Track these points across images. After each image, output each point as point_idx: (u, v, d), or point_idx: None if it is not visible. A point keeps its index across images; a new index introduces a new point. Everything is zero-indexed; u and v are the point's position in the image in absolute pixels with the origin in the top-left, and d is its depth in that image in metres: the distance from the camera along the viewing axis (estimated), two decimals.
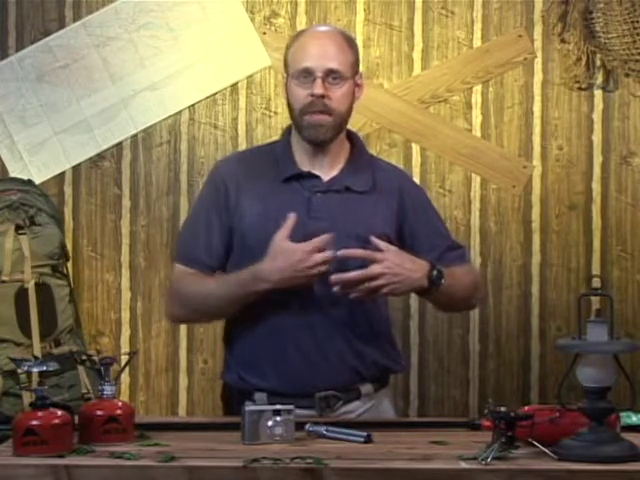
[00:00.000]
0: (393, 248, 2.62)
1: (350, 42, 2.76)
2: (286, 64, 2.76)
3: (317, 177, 2.73)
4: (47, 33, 3.87)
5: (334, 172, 2.75)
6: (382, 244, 2.60)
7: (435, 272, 2.63)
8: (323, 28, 2.91)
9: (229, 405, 2.80)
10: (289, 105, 2.74)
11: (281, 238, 2.58)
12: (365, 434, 2.34)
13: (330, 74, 2.66)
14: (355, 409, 2.72)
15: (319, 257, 2.57)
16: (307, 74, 2.67)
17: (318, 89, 2.65)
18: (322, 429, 2.38)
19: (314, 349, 2.67)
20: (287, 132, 2.81)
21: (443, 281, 2.65)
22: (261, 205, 2.70)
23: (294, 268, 2.57)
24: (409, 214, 2.78)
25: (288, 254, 2.57)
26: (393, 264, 2.58)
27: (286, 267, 2.57)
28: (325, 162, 2.74)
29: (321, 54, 2.67)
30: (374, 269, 2.56)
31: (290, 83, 2.72)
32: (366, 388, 2.73)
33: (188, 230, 2.83)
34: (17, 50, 3.88)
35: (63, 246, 3.63)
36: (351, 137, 2.82)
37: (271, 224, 2.65)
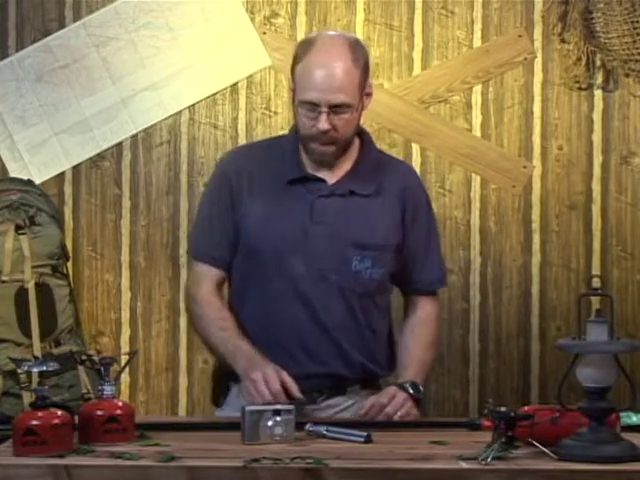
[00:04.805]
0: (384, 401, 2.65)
1: (358, 55, 2.66)
2: (293, 79, 2.69)
3: (322, 180, 2.73)
4: (47, 33, 3.87)
5: (340, 174, 2.74)
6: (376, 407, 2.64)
7: (412, 390, 2.68)
8: (331, 46, 2.68)
9: (218, 383, 2.84)
10: (295, 119, 2.72)
11: (275, 370, 2.56)
12: (365, 434, 2.34)
13: (335, 107, 2.62)
14: (339, 403, 2.73)
15: (264, 392, 2.53)
16: (312, 106, 2.62)
17: (323, 125, 2.62)
18: (322, 429, 2.38)
19: (302, 354, 2.69)
20: (296, 129, 2.76)
21: (422, 390, 2.70)
22: (264, 207, 2.70)
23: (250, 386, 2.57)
24: (407, 215, 2.79)
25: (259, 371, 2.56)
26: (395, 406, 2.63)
27: (246, 379, 2.58)
28: (332, 165, 2.74)
29: (326, 86, 2.60)
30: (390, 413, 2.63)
31: (297, 106, 2.67)
32: (353, 388, 2.76)
33: (202, 226, 2.82)
34: (17, 50, 3.88)
35: (63, 246, 3.63)
36: (361, 134, 2.80)
37: (272, 227, 2.68)
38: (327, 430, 2.38)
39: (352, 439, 2.35)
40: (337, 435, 2.36)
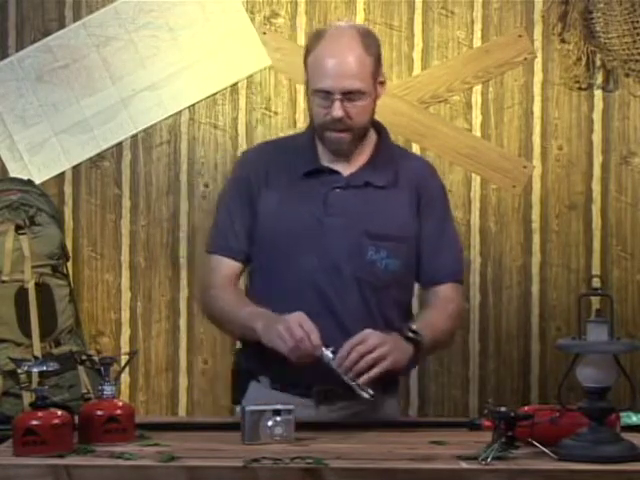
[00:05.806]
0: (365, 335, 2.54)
1: (369, 43, 2.69)
2: (306, 69, 2.71)
3: (337, 173, 2.73)
4: (47, 33, 3.87)
5: (355, 167, 2.74)
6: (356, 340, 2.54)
7: (409, 332, 2.59)
8: (341, 35, 2.72)
9: (236, 379, 2.81)
10: (310, 112, 2.73)
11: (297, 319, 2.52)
12: (372, 392, 2.38)
13: (348, 93, 2.64)
14: (351, 406, 2.71)
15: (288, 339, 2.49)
16: (325, 94, 2.64)
17: (337, 112, 2.63)
18: (329, 353, 2.42)
19: None
20: (311, 122, 2.78)
21: (418, 332, 2.59)
22: (278, 199, 2.71)
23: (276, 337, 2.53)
24: (422, 207, 2.77)
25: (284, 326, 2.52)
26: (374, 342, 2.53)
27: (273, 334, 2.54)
28: (348, 155, 2.74)
29: (339, 73, 2.63)
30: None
31: (311, 95, 2.70)
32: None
33: (219, 223, 2.82)
34: (17, 50, 3.88)
35: (63, 246, 3.63)
36: (378, 128, 2.80)
37: (287, 220, 2.69)
38: (333, 358, 2.42)
39: (358, 391, 2.39)
40: (345, 375, 2.40)
